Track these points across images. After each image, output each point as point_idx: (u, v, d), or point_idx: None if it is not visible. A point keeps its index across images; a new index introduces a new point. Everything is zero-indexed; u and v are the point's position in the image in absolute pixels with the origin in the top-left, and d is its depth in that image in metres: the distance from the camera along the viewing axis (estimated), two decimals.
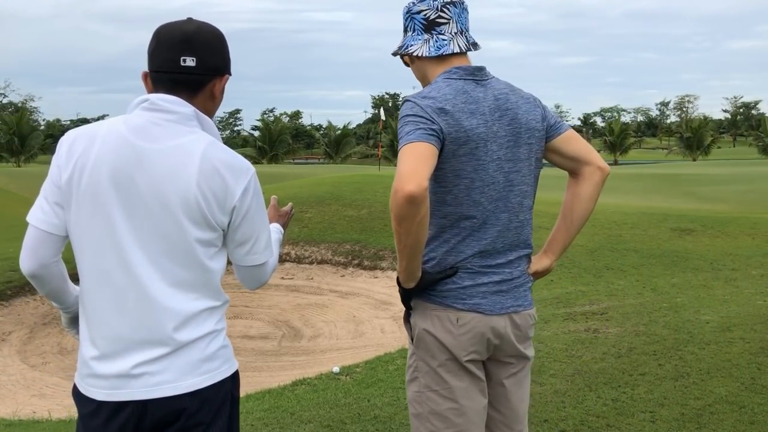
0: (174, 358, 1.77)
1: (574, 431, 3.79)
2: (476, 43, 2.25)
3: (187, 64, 1.80)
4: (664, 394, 4.23)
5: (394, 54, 2.29)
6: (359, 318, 8.54)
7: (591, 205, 2.29)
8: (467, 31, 2.23)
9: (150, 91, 1.85)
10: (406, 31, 2.25)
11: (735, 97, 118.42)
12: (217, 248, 1.83)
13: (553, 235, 2.36)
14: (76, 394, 1.85)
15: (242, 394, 5.05)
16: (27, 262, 1.86)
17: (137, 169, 1.74)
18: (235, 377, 1.91)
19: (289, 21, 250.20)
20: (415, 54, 2.21)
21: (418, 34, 2.21)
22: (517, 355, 2.25)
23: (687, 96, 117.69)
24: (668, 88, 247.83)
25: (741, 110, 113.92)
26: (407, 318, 2.26)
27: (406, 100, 2.11)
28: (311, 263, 10.50)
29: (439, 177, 2.09)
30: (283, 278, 10.12)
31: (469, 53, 2.24)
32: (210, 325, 1.83)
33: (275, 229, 2.19)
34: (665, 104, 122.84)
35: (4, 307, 8.24)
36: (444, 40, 2.18)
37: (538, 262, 2.33)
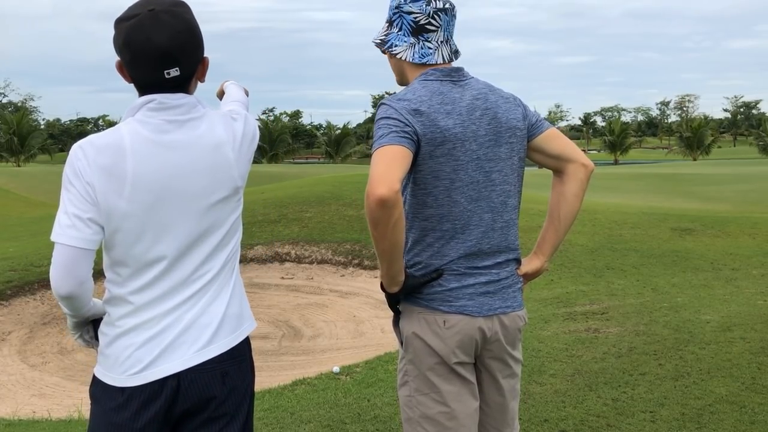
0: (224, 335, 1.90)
1: (574, 431, 3.79)
2: (458, 51, 2.23)
3: (172, 75, 1.80)
4: (664, 393, 4.23)
5: (376, 44, 2.25)
6: (359, 318, 8.53)
7: (577, 203, 2.27)
8: (452, 37, 2.21)
9: (130, 82, 1.87)
10: (391, 25, 2.20)
11: (735, 97, 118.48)
12: (238, 228, 1.96)
13: (543, 236, 2.34)
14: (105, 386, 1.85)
15: None
16: (65, 284, 1.77)
17: (177, 170, 1.80)
18: (252, 367, 2.01)
19: (289, 20, 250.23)
20: (398, 57, 2.19)
21: (404, 35, 2.18)
22: (507, 357, 2.23)
23: (687, 95, 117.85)
24: (668, 87, 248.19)
25: (741, 110, 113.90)
26: (396, 322, 2.22)
27: (381, 104, 2.09)
28: (311, 263, 10.50)
29: (418, 179, 2.08)
30: (283, 278, 10.12)
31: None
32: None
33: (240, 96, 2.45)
34: (666, 104, 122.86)
35: (4, 307, 8.24)
36: (430, 48, 2.16)
37: (529, 264, 2.31)
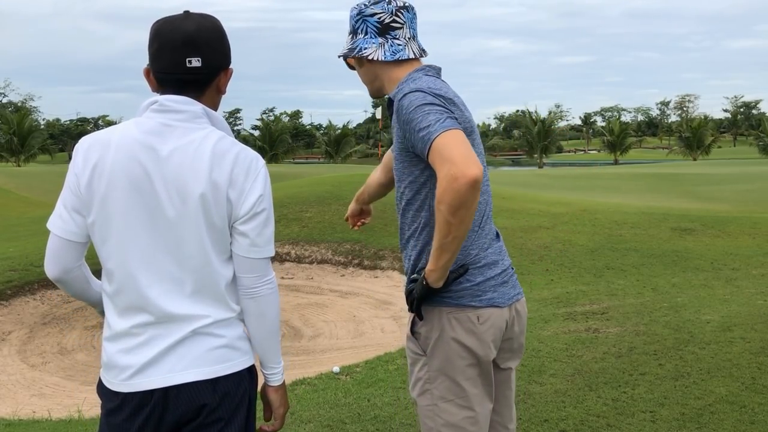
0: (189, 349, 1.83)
1: (575, 431, 3.79)
2: (425, 50, 2.25)
3: (194, 65, 1.81)
4: (664, 393, 4.23)
5: (344, 56, 2.25)
6: (359, 318, 8.53)
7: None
8: (416, 36, 2.23)
9: (155, 89, 1.87)
10: (356, 33, 2.20)
11: (735, 97, 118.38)
12: (228, 254, 1.86)
13: None
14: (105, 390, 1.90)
15: None
16: (51, 268, 1.89)
17: (153, 169, 1.78)
18: (252, 372, 1.94)
19: (289, 20, 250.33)
20: (369, 57, 2.17)
21: (371, 37, 2.17)
22: (518, 347, 2.27)
23: (687, 95, 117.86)
24: (668, 87, 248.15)
25: (741, 110, 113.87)
26: (413, 329, 2.16)
27: (411, 91, 2.03)
28: (311, 263, 10.49)
29: None
30: (283, 278, 10.11)
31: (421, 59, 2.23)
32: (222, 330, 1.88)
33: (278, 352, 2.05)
34: (666, 104, 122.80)
35: (4, 307, 8.24)
36: (399, 45, 2.17)
37: None
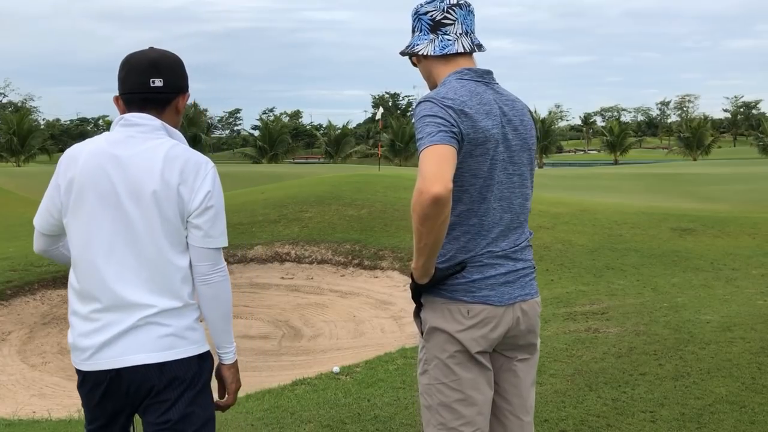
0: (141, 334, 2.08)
1: (575, 431, 3.79)
2: (481, 45, 2.33)
3: (156, 84, 2.14)
4: (664, 393, 4.23)
5: (402, 54, 2.37)
6: (359, 318, 8.53)
7: None
8: (473, 32, 2.31)
9: (122, 112, 2.18)
10: (413, 31, 2.34)
11: (735, 97, 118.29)
12: (183, 246, 2.12)
13: None
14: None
15: (242, 394, 5.06)
16: (35, 247, 2.34)
17: (115, 173, 2.08)
18: (203, 358, 2.17)
19: (288, 20, 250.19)
20: (420, 53, 2.29)
21: (424, 34, 2.29)
22: (526, 344, 2.33)
23: (687, 95, 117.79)
24: (668, 87, 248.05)
25: (741, 110, 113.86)
26: (417, 313, 2.32)
27: (424, 100, 2.16)
28: (311, 263, 10.49)
29: (456, 177, 2.14)
30: (283, 278, 10.12)
31: (474, 55, 2.32)
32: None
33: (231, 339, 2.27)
34: (666, 104, 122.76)
35: (4, 307, 8.24)
36: (449, 40, 2.26)
37: None
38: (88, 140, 2.19)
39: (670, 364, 4.74)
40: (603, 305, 6.93)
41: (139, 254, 2.07)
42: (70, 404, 5.57)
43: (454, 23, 2.26)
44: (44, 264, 9.18)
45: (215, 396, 2.25)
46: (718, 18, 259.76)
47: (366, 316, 8.57)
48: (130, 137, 2.11)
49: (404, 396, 4.53)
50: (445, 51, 2.25)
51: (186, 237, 2.11)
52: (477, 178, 2.16)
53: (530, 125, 2.31)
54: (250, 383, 5.99)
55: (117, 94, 2.20)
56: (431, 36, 2.27)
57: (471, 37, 2.29)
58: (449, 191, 1.94)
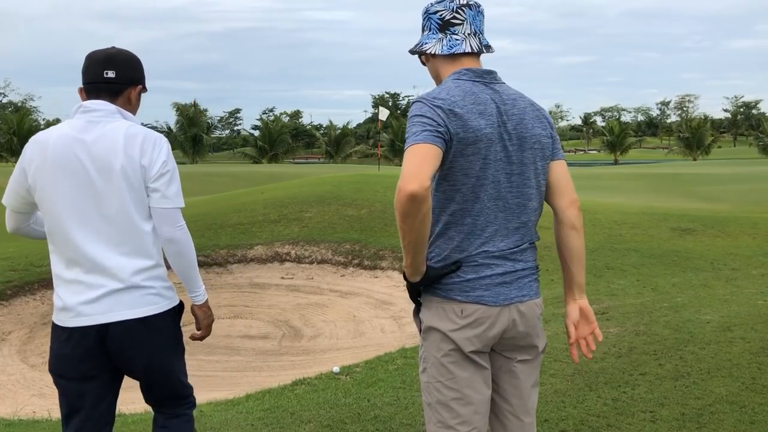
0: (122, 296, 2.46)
1: (575, 431, 3.79)
2: (489, 45, 2.34)
3: (109, 75, 2.52)
4: (664, 393, 4.23)
5: (411, 52, 2.39)
6: (359, 318, 8.53)
7: (581, 243, 2.36)
8: (481, 33, 2.32)
9: (83, 100, 2.53)
10: (423, 30, 2.36)
11: (735, 97, 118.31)
12: (148, 212, 2.48)
13: (566, 278, 2.42)
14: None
15: (242, 394, 5.07)
16: (8, 227, 2.65)
17: (83, 155, 2.43)
18: (176, 310, 2.60)
19: (289, 20, 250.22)
20: (428, 51, 2.31)
21: (433, 33, 2.31)
22: (526, 346, 2.33)
23: (687, 95, 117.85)
24: (668, 87, 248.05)
25: (741, 110, 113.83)
26: (417, 312, 2.34)
27: (416, 101, 2.18)
28: (311, 263, 10.49)
29: (448, 176, 2.17)
30: (283, 278, 10.11)
31: (482, 56, 2.33)
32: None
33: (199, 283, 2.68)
34: (666, 104, 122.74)
35: (4, 307, 8.24)
36: (457, 39, 2.28)
37: (573, 311, 2.41)
38: (52, 128, 2.53)
39: (670, 364, 4.74)
40: (603, 305, 6.93)
41: (110, 222, 2.43)
42: None
43: (463, 23, 2.27)
44: (44, 264, 9.18)
45: (194, 330, 2.69)
46: (718, 18, 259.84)
47: (366, 316, 8.57)
48: (90, 122, 2.47)
49: (404, 396, 4.53)
50: (453, 50, 2.26)
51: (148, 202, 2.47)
52: (469, 178, 2.16)
53: (534, 123, 2.28)
54: (250, 383, 6.00)
55: (80, 86, 2.56)
56: (440, 35, 2.29)
57: (479, 38, 2.30)
58: (426, 189, 1.96)
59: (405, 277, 2.27)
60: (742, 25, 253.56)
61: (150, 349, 2.51)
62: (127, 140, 2.44)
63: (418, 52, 2.36)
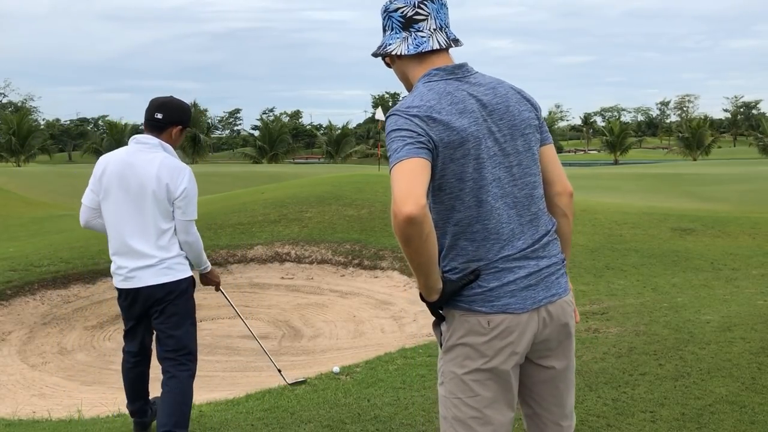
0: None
1: (575, 431, 3.78)
2: (457, 39, 2.18)
3: (158, 117, 3.69)
4: (664, 393, 4.23)
5: (374, 55, 2.23)
6: (359, 318, 8.53)
7: (570, 228, 2.27)
8: (447, 27, 2.17)
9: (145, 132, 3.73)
10: (384, 30, 2.19)
11: (735, 97, 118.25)
12: (170, 218, 3.66)
13: None
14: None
15: (242, 394, 5.06)
16: (81, 220, 3.83)
17: (130, 173, 3.64)
18: (189, 280, 3.79)
19: (289, 20, 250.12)
20: (393, 53, 2.14)
21: (396, 33, 2.15)
22: (560, 348, 2.18)
23: (687, 95, 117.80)
24: (668, 87, 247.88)
25: (741, 110, 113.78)
26: (437, 324, 2.18)
27: (390, 114, 2.02)
28: (311, 263, 10.48)
29: (443, 185, 2.04)
30: (283, 278, 10.11)
31: (451, 50, 2.18)
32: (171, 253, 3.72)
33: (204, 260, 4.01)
34: (666, 104, 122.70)
35: (4, 307, 8.23)
36: (423, 37, 2.11)
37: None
38: (115, 151, 3.76)
39: (670, 364, 4.74)
40: (603, 305, 6.93)
41: (145, 223, 3.63)
42: (70, 404, 5.57)
43: (427, 18, 2.11)
44: (44, 264, 9.18)
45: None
46: (718, 18, 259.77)
47: (366, 316, 8.57)
48: (139, 150, 3.66)
49: (404, 396, 4.52)
50: (420, 49, 2.10)
51: (172, 212, 3.65)
52: (465, 182, 2.02)
53: (520, 108, 2.13)
54: (250, 383, 5.99)
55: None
56: (404, 34, 2.12)
57: (446, 32, 2.14)
58: (422, 207, 1.82)
59: (422, 298, 2.10)
60: (742, 25, 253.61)
61: (167, 307, 3.70)
62: (160, 169, 3.58)
63: (381, 54, 2.20)
